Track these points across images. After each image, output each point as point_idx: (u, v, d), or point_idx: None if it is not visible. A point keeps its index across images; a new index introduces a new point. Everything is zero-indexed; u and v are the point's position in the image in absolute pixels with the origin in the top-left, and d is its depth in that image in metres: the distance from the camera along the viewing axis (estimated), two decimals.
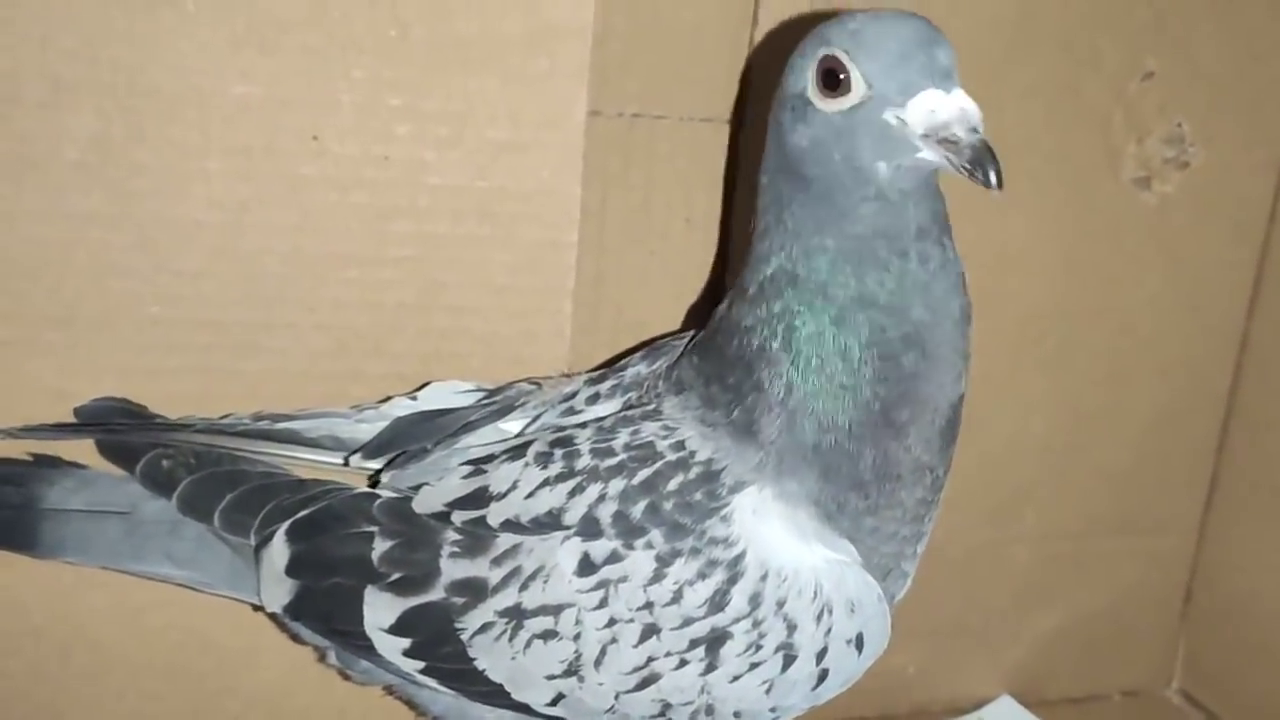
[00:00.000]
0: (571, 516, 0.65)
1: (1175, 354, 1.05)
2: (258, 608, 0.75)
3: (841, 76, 0.58)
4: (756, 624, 0.63)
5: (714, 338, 0.68)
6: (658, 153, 0.87)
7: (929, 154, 0.57)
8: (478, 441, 0.73)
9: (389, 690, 0.78)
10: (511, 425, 0.74)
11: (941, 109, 0.56)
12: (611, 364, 0.80)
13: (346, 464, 0.75)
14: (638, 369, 0.75)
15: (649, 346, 0.78)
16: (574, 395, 0.74)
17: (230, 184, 0.77)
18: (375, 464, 0.75)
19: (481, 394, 0.79)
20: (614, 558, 0.64)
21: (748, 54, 0.86)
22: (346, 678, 0.78)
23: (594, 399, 0.73)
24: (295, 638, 0.78)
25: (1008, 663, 1.10)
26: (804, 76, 0.60)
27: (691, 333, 0.75)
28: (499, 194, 0.81)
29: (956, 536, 1.05)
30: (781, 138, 0.62)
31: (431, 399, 0.78)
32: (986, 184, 0.55)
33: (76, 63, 0.73)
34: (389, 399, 0.79)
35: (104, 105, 0.74)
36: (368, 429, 0.76)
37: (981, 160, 0.55)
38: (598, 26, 0.80)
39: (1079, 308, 1.01)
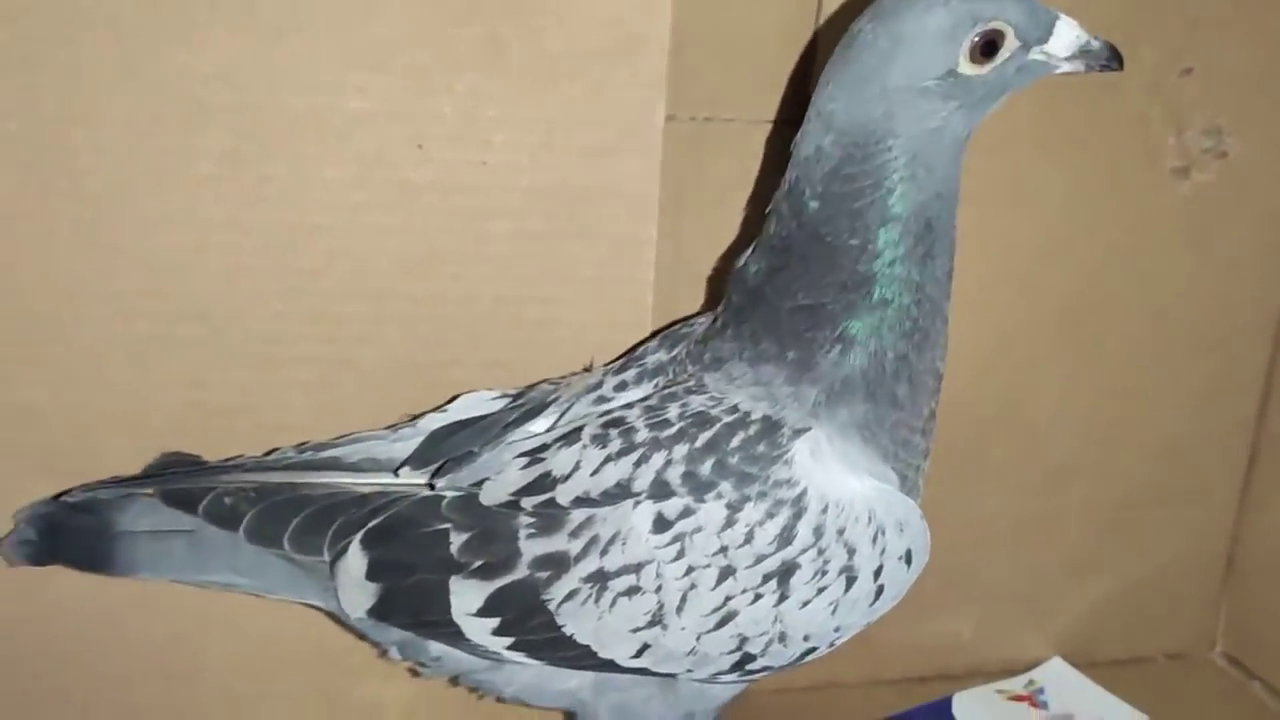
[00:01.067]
0: (641, 484, 0.70)
1: (1213, 335, 1.10)
2: (314, 607, 0.82)
3: (998, 41, 0.66)
4: (821, 552, 0.70)
5: (757, 297, 0.74)
6: (729, 153, 0.94)
7: (1068, 66, 0.69)
8: (517, 438, 0.77)
9: (454, 681, 0.83)
10: (542, 422, 0.79)
11: (1077, 31, 0.68)
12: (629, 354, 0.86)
13: (396, 476, 0.79)
14: (658, 355, 0.81)
15: (662, 333, 0.84)
16: (600, 385, 0.80)
17: (345, 191, 0.84)
18: (423, 475, 0.79)
19: (508, 399, 0.84)
20: (687, 512, 0.69)
21: (810, 60, 0.92)
22: (415, 673, 0.84)
23: (621, 386, 0.79)
24: (362, 637, 0.83)
25: (1058, 626, 1.16)
26: (950, 56, 0.66)
27: (706, 316, 0.81)
28: (585, 194, 0.87)
29: (1008, 508, 1.11)
30: (915, 120, 0.67)
31: (463, 409, 0.84)
32: (1119, 67, 0.69)
33: (211, 86, 0.80)
34: (421, 415, 0.85)
35: (235, 123, 0.81)
36: (403, 447, 0.81)
37: (1115, 53, 0.69)
38: (673, 39, 0.86)
39: (1119, 293, 1.06)
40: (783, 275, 0.72)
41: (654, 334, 0.86)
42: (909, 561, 0.72)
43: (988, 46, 0.66)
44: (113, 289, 0.83)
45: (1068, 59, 0.68)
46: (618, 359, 0.86)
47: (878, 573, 0.71)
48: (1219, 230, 1.06)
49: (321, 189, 0.84)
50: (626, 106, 0.87)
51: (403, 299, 0.87)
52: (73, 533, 0.80)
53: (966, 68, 0.66)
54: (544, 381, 0.85)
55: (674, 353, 0.80)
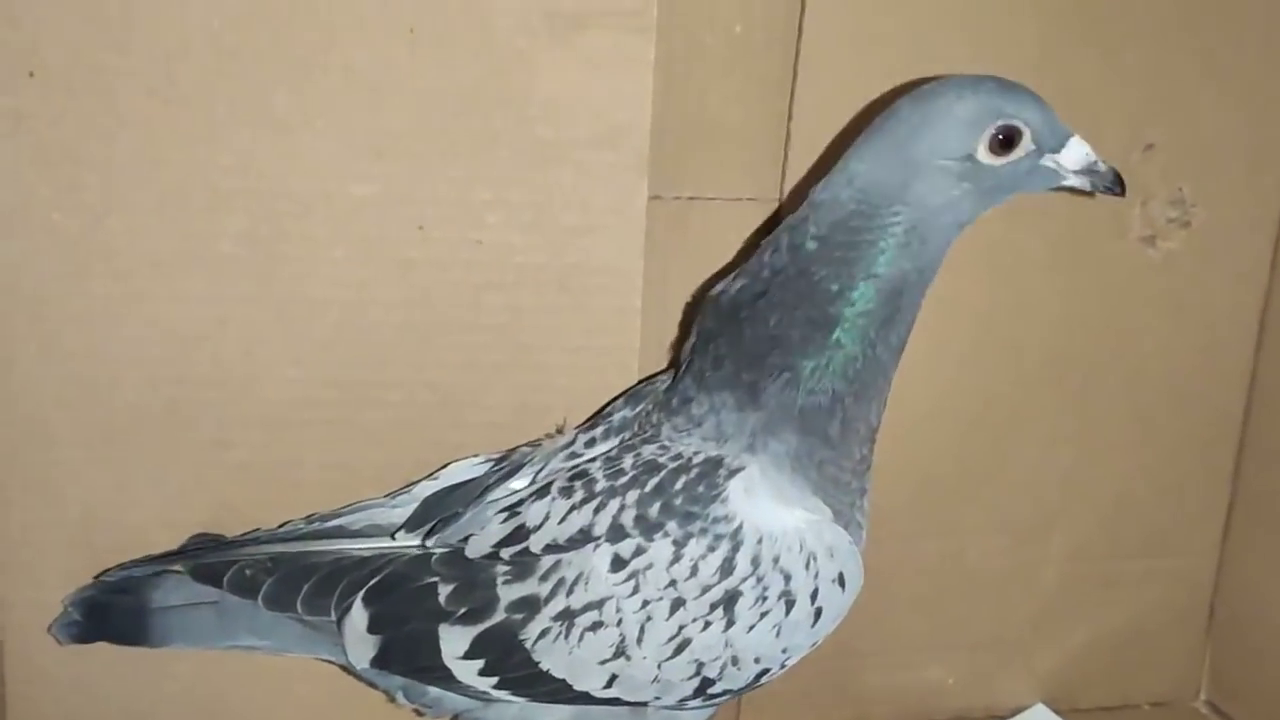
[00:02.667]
0: (600, 528, 0.77)
1: (1189, 390, 1.12)
2: (327, 661, 0.88)
3: (1016, 138, 0.73)
4: (760, 579, 0.75)
5: (730, 320, 0.79)
6: (710, 229, 0.99)
7: (1075, 181, 0.76)
8: (498, 496, 0.84)
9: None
10: (522, 480, 0.86)
11: (1088, 150, 0.75)
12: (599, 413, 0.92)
13: (393, 538, 0.86)
14: (623, 413, 0.87)
15: (630, 392, 0.91)
16: (572, 443, 0.87)
17: (352, 268, 0.91)
18: (417, 536, 0.85)
19: (492, 463, 0.90)
20: (639, 551, 0.76)
21: (786, 141, 0.98)
22: (419, 714, 0.89)
23: (590, 443, 0.86)
24: (372, 685, 0.89)
25: (1041, 673, 1.18)
26: (971, 141, 0.72)
27: (668, 374, 0.87)
28: (574, 270, 0.94)
29: (989, 558, 1.14)
30: (927, 193, 0.73)
31: (452, 475, 0.90)
32: (1122, 194, 0.77)
33: (231, 174, 0.88)
34: (416, 483, 0.91)
35: (252, 207, 0.89)
36: (401, 512, 0.88)
37: (1118, 179, 0.77)
38: (656, 125, 0.92)
39: (1097, 352, 1.10)
40: (762, 302, 0.77)
41: (620, 394, 0.92)
42: (842, 584, 0.78)
43: (1005, 141, 0.72)
44: (144, 357, 0.90)
45: (1075, 173, 0.75)
46: (588, 419, 0.93)
47: (814, 595, 0.77)
48: (1189, 292, 1.09)
49: (330, 267, 0.91)
50: (611, 188, 0.93)
51: (406, 367, 0.94)
52: (113, 612, 0.88)
53: (984, 155, 0.73)
54: (523, 445, 0.91)
55: (638, 409, 0.87)
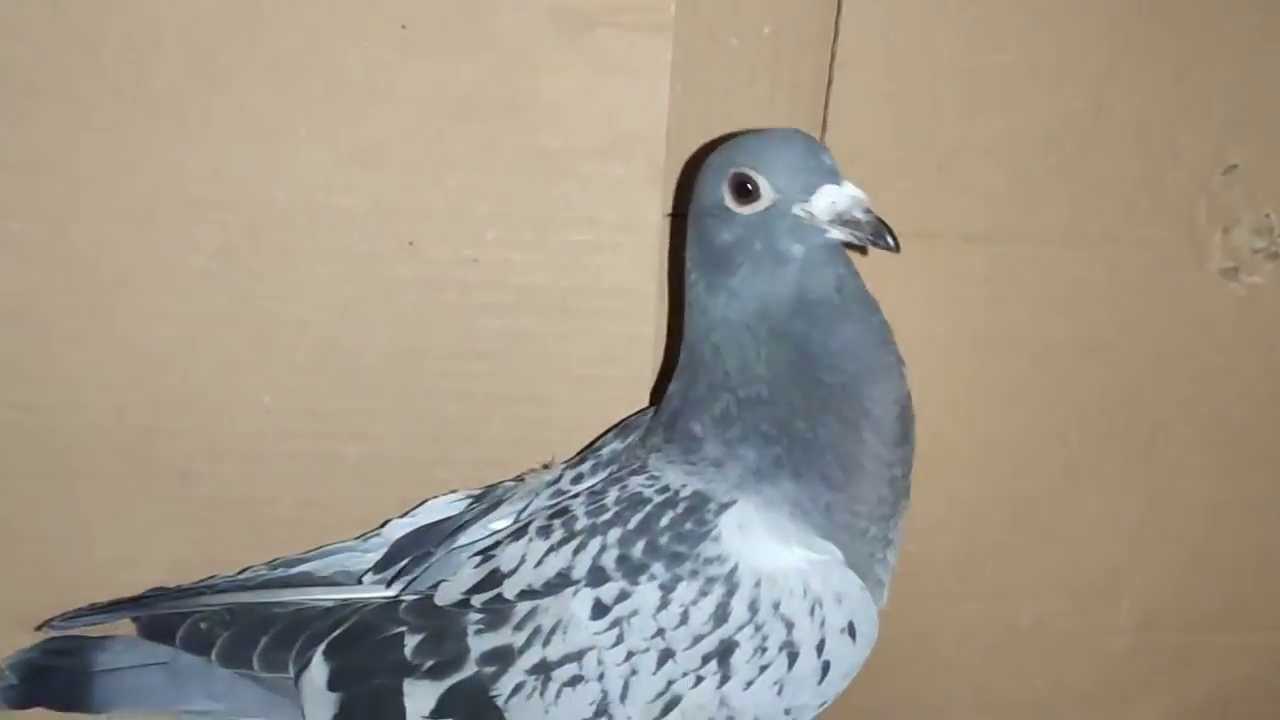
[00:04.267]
0: (579, 571, 0.71)
1: (1275, 442, 1.02)
2: None
3: (750, 187, 0.69)
4: (758, 628, 0.69)
5: (683, 394, 0.75)
6: None
7: (836, 234, 0.68)
8: (470, 539, 0.79)
9: None
10: (501, 520, 0.80)
11: (839, 199, 0.68)
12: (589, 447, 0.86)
13: (360, 583, 0.81)
14: (613, 446, 0.82)
15: (621, 425, 0.85)
16: (559, 479, 0.81)
17: (335, 286, 0.85)
18: (385, 580, 0.80)
19: (471, 499, 0.85)
20: (622, 596, 0.70)
21: None
22: None
23: (578, 479, 0.80)
24: None
25: None
26: (719, 190, 0.71)
27: (656, 406, 0.81)
28: (579, 292, 0.87)
29: (1046, 623, 1.05)
30: (705, 235, 0.72)
31: (429, 513, 0.85)
32: (890, 248, 0.67)
33: (205, 183, 0.82)
34: (387, 523, 0.85)
35: (227, 219, 0.83)
36: (374, 556, 0.82)
37: (880, 232, 0.67)
38: (671, 133, 0.85)
39: (1170, 397, 1.00)
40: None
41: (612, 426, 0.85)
42: (853, 635, 0.71)
43: (740, 189, 0.69)
44: (107, 381, 0.85)
45: (830, 223, 0.68)
46: (578, 453, 0.86)
47: (820, 647, 0.70)
48: (1277, 331, 0.99)
49: (312, 285, 0.85)
50: (622, 203, 0.86)
51: (392, 396, 0.88)
52: (53, 674, 0.83)
53: (731, 203, 0.70)
54: (507, 480, 0.84)
55: (628, 440, 0.81)
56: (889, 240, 0.67)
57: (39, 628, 0.85)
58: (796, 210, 0.69)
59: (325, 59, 0.81)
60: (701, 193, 0.73)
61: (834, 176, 0.69)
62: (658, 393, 0.90)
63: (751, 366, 0.71)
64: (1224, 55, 0.91)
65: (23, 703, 0.83)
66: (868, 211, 0.68)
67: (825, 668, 0.71)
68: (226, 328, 0.85)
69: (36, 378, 0.84)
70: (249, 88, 0.80)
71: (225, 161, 0.82)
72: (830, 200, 0.68)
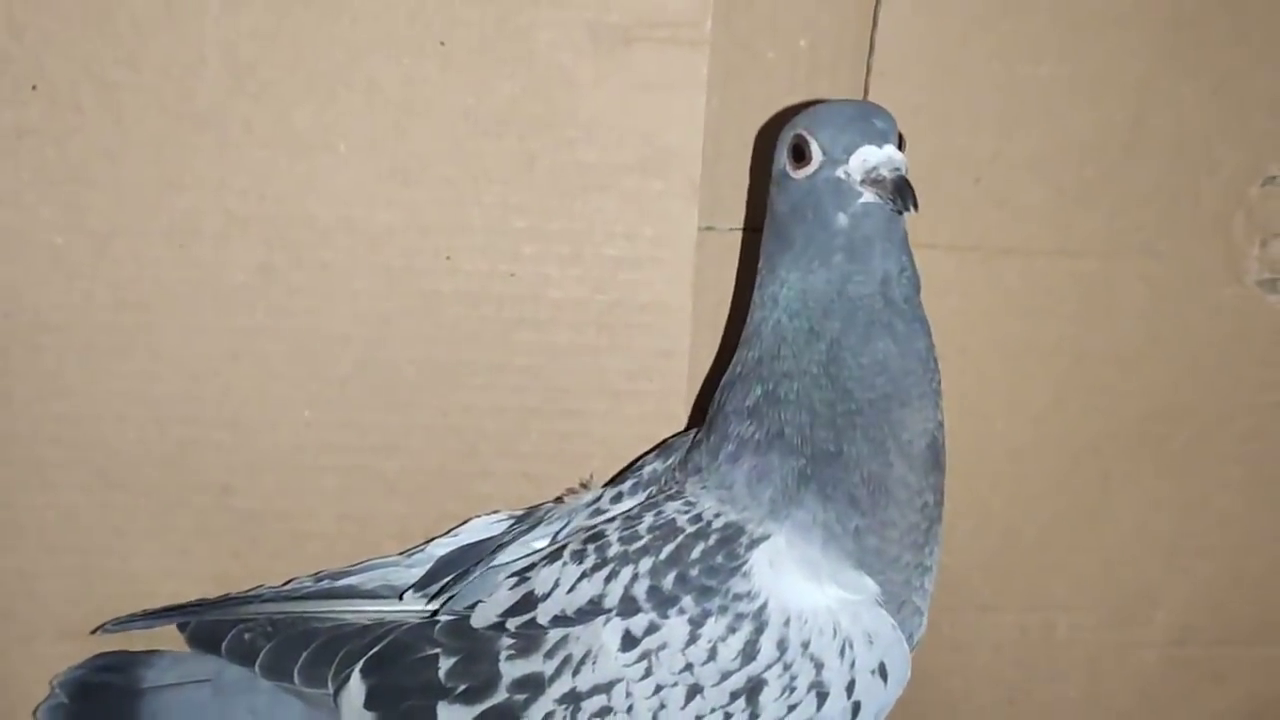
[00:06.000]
0: (611, 600, 0.70)
1: None
2: None
3: (803, 150, 0.69)
4: (787, 667, 0.68)
5: (720, 406, 0.75)
6: None
7: (867, 195, 0.67)
8: (509, 558, 0.78)
9: None
10: (539, 540, 0.79)
11: (871, 157, 0.67)
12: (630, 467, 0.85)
13: (401, 599, 0.81)
14: (654, 466, 0.81)
15: (662, 445, 0.84)
16: (599, 499, 0.80)
17: (374, 301, 0.85)
18: (425, 598, 0.80)
19: (513, 519, 0.84)
20: (651, 628, 0.69)
21: None
22: None
23: (618, 498, 0.80)
24: None
25: None
26: (781, 156, 0.71)
27: (700, 427, 0.80)
28: (615, 306, 0.87)
29: (1080, 635, 1.04)
30: (772, 208, 0.72)
31: (471, 532, 0.85)
32: (902, 209, 0.66)
33: (247, 200, 0.82)
34: (431, 540, 0.85)
35: (268, 235, 0.83)
36: (417, 572, 0.82)
37: (900, 190, 0.66)
38: (710, 149, 0.85)
39: (1205, 410, 0.99)
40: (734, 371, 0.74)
41: (655, 446, 0.85)
42: (884, 676, 0.69)
43: (796, 150, 0.69)
44: (149, 394, 0.85)
45: (861, 183, 0.67)
46: (619, 472, 0.85)
47: (850, 688, 0.69)
48: None
49: (350, 299, 0.85)
50: (658, 217, 0.86)
51: (430, 410, 0.87)
52: (102, 692, 0.83)
53: (789, 168, 0.70)
54: (546, 502, 0.84)
55: (669, 461, 0.80)
56: (905, 201, 0.65)
57: (93, 632, 0.85)
58: (839, 172, 0.68)
59: (365, 76, 0.81)
60: (773, 165, 0.72)
61: (878, 138, 0.67)
62: (693, 408, 0.90)
63: (781, 358, 0.70)
64: (1261, 67, 0.91)
65: None
66: (895, 170, 0.66)
67: (856, 708, 0.69)
68: (266, 342, 0.85)
69: (79, 391, 0.84)
70: (290, 104, 0.81)
71: (266, 177, 0.82)
72: (864, 158, 0.67)
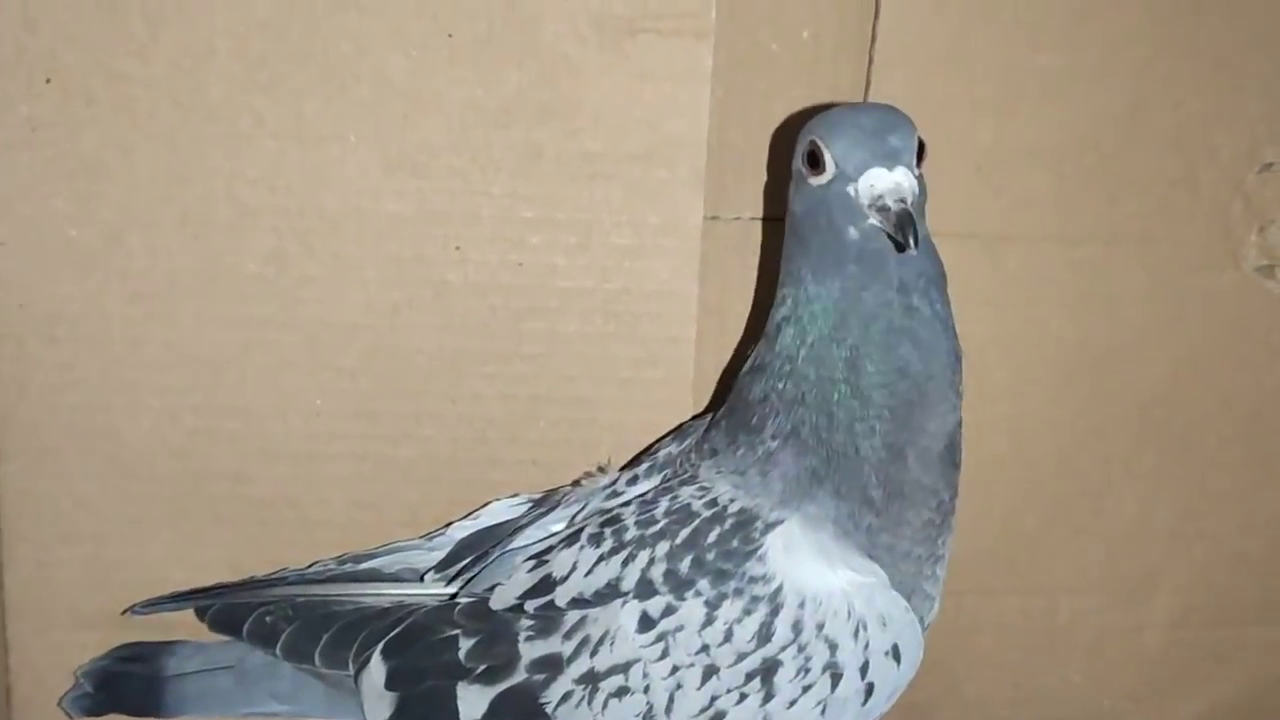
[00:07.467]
0: (628, 583, 0.71)
1: None
2: None
3: (820, 158, 0.68)
4: (802, 648, 0.69)
5: (738, 394, 0.75)
6: (772, 252, 0.92)
7: (874, 220, 0.66)
8: (527, 540, 0.79)
9: None
10: (557, 523, 0.80)
11: (879, 183, 0.65)
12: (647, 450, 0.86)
13: (422, 580, 0.82)
14: (669, 449, 0.82)
15: (678, 429, 0.85)
16: (615, 481, 0.81)
17: (383, 291, 0.86)
18: (445, 579, 0.81)
19: (532, 503, 0.85)
20: (668, 610, 0.70)
21: None
22: None
23: (633, 480, 0.81)
24: None
25: None
26: (798, 157, 0.70)
27: (716, 412, 0.81)
28: (622, 295, 0.87)
29: (1082, 619, 1.05)
30: (791, 205, 0.72)
31: (491, 515, 0.86)
32: (900, 246, 0.64)
33: (258, 190, 0.83)
34: (451, 524, 0.86)
35: (279, 225, 0.84)
36: (439, 555, 0.83)
37: (901, 225, 0.64)
38: (714, 138, 0.86)
39: (1205, 394, 1.00)
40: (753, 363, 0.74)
41: (670, 431, 0.85)
42: (897, 658, 0.70)
43: (810, 156, 0.68)
44: (162, 384, 0.86)
45: (868, 207, 0.66)
46: (634, 457, 0.86)
47: (864, 669, 0.70)
48: None
49: (361, 289, 0.86)
50: (664, 206, 0.86)
51: (440, 398, 0.88)
52: (126, 681, 0.84)
53: (805, 171, 0.69)
54: (563, 486, 0.85)
55: (684, 445, 0.81)
56: (906, 237, 0.63)
57: (124, 612, 0.86)
58: (849, 189, 0.67)
59: (373, 67, 0.82)
60: (792, 162, 0.72)
61: (889, 160, 0.66)
62: (700, 394, 0.91)
63: (800, 360, 0.70)
64: (1260, 54, 0.92)
65: (98, 711, 0.84)
66: (901, 202, 0.65)
67: (869, 689, 0.70)
68: (278, 331, 0.86)
69: (93, 381, 0.85)
70: (300, 96, 0.82)
71: (277, 168, 0.83)
72: (871, 183, 0.66)
